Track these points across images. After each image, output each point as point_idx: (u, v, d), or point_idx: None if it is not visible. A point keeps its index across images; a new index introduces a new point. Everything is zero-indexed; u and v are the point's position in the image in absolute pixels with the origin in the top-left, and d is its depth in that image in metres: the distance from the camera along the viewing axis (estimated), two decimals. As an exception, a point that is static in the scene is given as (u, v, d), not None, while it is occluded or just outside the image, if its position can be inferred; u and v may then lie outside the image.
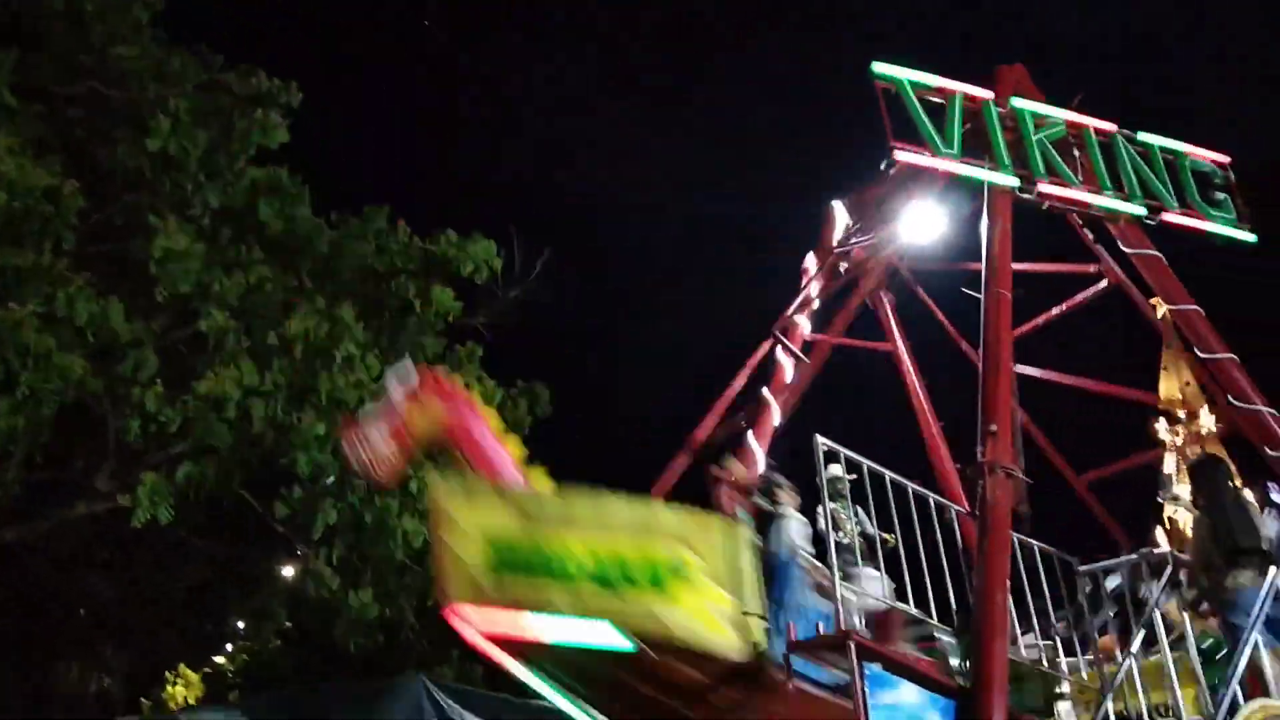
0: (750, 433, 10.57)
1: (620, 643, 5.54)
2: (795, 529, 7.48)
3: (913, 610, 7.36)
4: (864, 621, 7.56)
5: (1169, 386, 13.51)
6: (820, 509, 7.78)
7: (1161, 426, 12.99)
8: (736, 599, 5.77)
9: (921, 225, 10.97)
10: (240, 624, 18.88)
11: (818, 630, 6.67)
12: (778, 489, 7.67)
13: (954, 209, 10.68)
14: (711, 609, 5.69)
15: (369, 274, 12.00)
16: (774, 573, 6.91)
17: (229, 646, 20.82)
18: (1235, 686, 6.11)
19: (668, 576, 5.61)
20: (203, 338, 10.67)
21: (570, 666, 6.03)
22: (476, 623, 5.74)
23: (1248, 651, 6.34)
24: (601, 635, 5.58)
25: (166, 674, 20.39)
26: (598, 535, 5.65)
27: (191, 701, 20.57)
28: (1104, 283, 10.94)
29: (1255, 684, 6.33)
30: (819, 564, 7.36)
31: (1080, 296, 10.56)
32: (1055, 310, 11.30)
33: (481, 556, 5.51)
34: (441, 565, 5.68)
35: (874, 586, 7.71)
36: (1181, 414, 13.29)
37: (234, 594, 15.64)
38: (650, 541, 5.68)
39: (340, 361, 10.46)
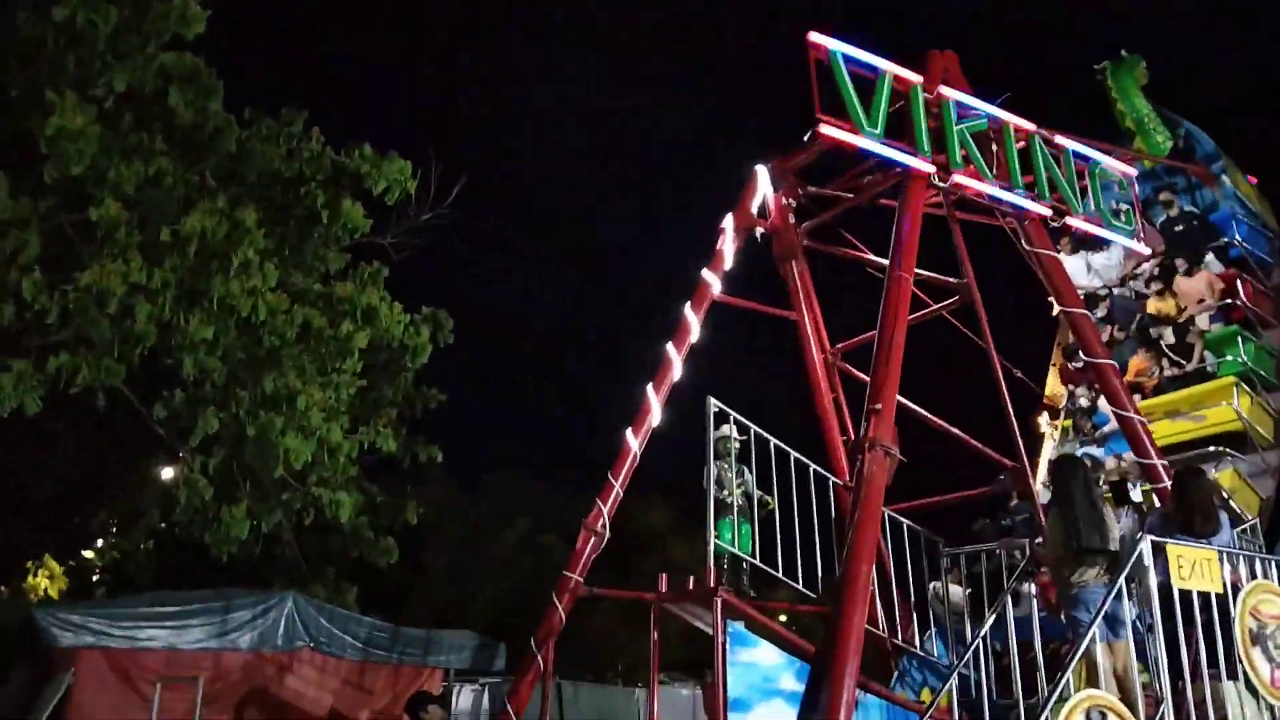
0: (649, 386, 10.66)
1: None
2: None
3: (778, 573, 7.62)
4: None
5: (1055, 381, 14.08)
6: (706, 467, 7.96)
7: (1043, 420, 13.53)
8: None
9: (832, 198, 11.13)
10: (113, 522, 18.44)
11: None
12: None
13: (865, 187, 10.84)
14: None
15: (276, 179, 11.57)
16: None
17: (99, 542, 20.32)
18: (1069, 676, 6.46)
19: None
20: (92, 226, 10.18)
21: None
22: None
23: (1084, 644, 6.71)
24: None
25: (29, 564, 19.83)
26: None
27: (54, 594, 20.07)
28: (956, 297, 11.08)
29: (1090, 676, 6.71)
30: None
31: (936, 307, 10.67)
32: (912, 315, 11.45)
33: None
34: None
35: None
36: (1062, 409, 13.90)
37: (107, 491, 15.22)
38: None
39: (237, 266, 10.08)
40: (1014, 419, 9.81)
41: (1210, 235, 13.47)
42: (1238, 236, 13.26)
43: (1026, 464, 9.75)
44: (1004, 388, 9.95)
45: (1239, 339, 11.97)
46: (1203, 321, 12.58)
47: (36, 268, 9.65)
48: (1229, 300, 12.57)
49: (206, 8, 11.21)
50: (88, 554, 20.61)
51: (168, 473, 14.61)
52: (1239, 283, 12.62)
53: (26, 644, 9.89)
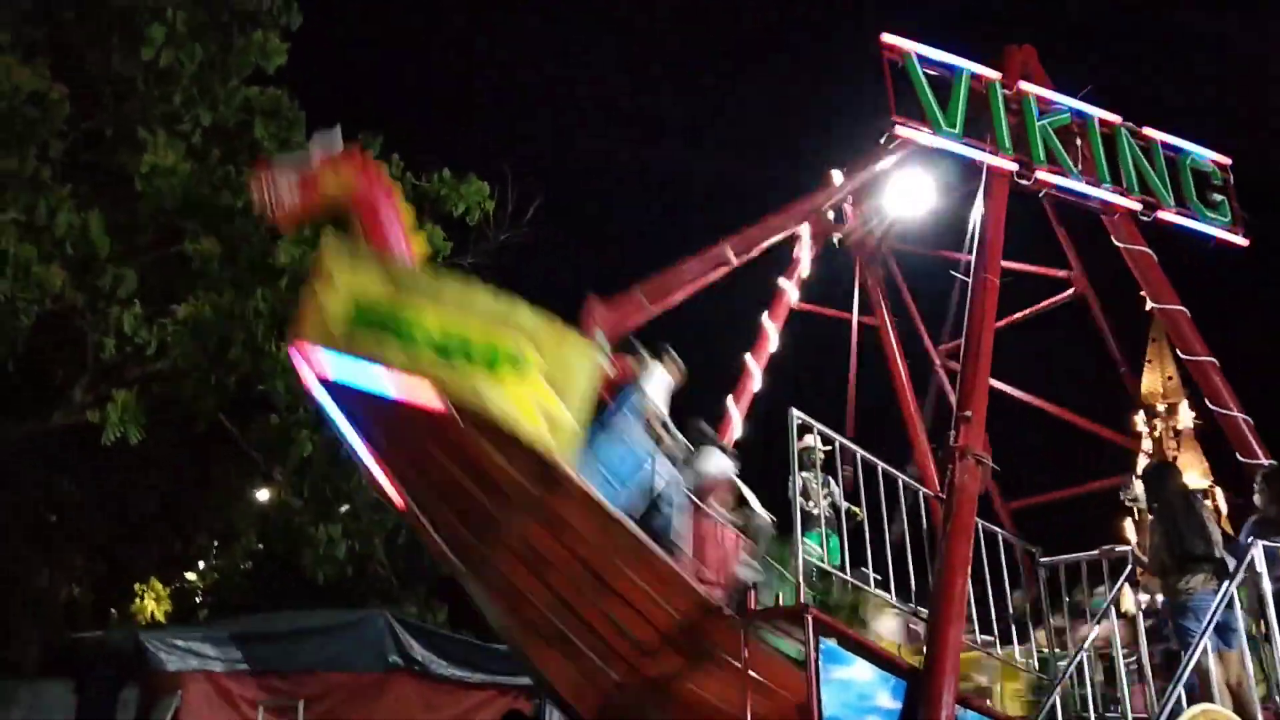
0: (729, 397, 10.61)
1: (434, 403, 5.73)
2: (656, 381, 7.48)
3: (877, 592, 7.47)
4: None
5: (1152, 380, 13.63)
6: (790, 479, 7.85)
7: (1140, 419, 13.07)
8: (562, 402, 5.96)
9: (914, 201, 10.92)
10: (214, 544, 19.01)
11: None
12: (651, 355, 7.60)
13: (950, 189, 10.64)
14: (534, 402, 5.88)
15: (359, 207, 11.80)
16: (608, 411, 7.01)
17: (200, 564, 20.96)
18: (1181, 690, 6.20)
19: (503, 363, 5.85)
20: (187, 259, 10.54)
21: (388, 428, 6.20)
22: (313, 362, 5.92)
23: (1196, 655, 6.44)
24: (418, 391, 5.77)
25: (136, 587, 20.53)
26: (453, 314, 5.89)
27: (159, 616, 20.74)
28: (1070, 291, 10.87)
29: (1203, 688, 6.44)
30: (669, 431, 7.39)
31: (1048, 302, 10.48)
32: (1019, 314, 11.24)
33: (342, 310, 5.78)
34: (305, 309, 5.93)
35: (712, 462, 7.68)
36: (1161, 408, 13.43)
37: (206, 514, 15.68)
38: (500, 331, 5.92)
39: (324, 293, 10.32)
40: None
41: None
42: None
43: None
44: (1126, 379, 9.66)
45: None
46: None
47: (136, 302, 10.00)
48: None
49: (285, 39, 11.53)
50: (190, 576, 21.29)
51: (263, 495, 15.03)
52: None
53: (136, 667, 10.24)
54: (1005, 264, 9.07)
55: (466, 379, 5.74)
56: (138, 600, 20.66)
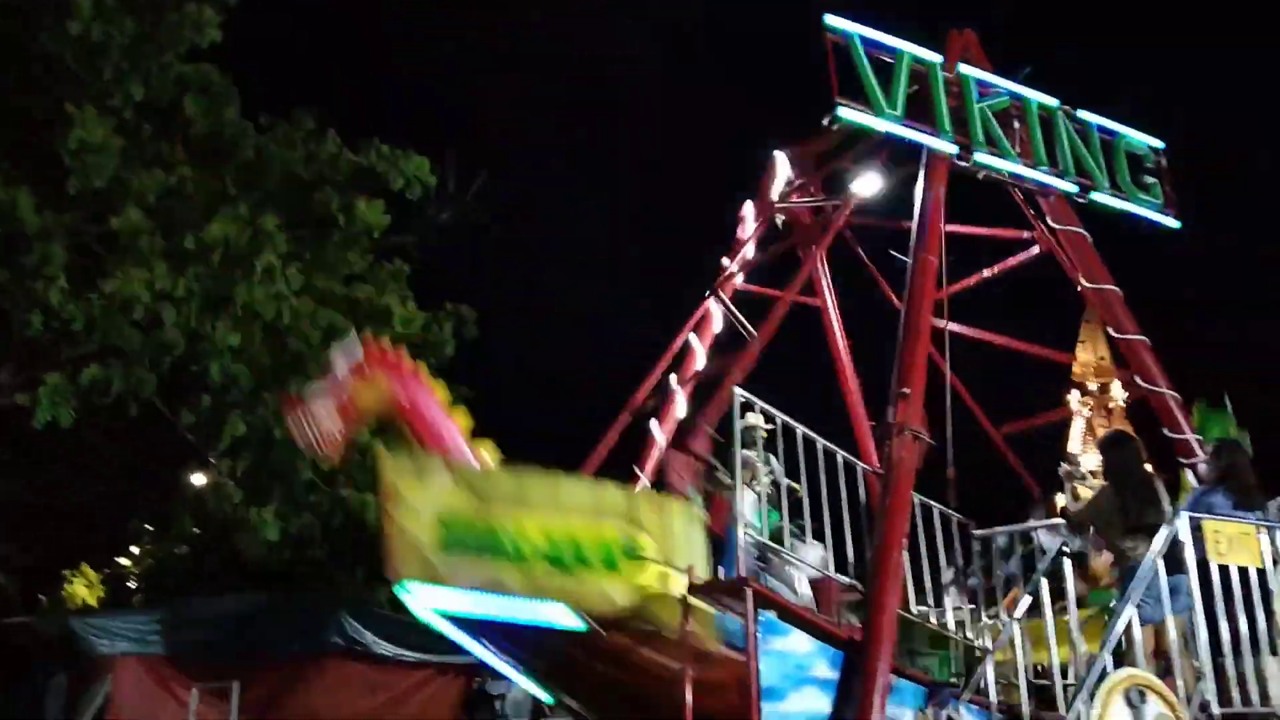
0: (673, 376, 10.62)
1: (573, 622, 5.61)
2: (748, 503, 7.56)
3: (810, 562, 7.55)
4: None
5: (1084, 359, 13.88)
6: (732, 457, 7.90)
7: (1074, 396, 13.36)
8: (688, 578, 5.90)
9: (861, 184, 11.00)
10: (148, 528, 18.62)
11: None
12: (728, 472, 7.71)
13: (896, 169, 10.74)
14: (664, 588, 5.79)
15: (295, 183, 11.62)
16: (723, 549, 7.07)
17: (135, 550, 20.52)
18: (1108, 655, 6.36)
19: (621, 557, 5.69)
20: (116, 236, 10.27)
21: (524, 644, 6.07)
22: (427, 600, 5.70)
23: (1123, 622, 6.61)
24: (555, 615, 5.63)
25: (66, 573, 20.06)
26: (551, 515, 5.67)
27: (92, 601, 20.30)
28: (1035, 249, 11.09)
29: (1130, 653, 6.61)
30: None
31: (1013, 260, 10.69)
32: (987, 271, 11.43)
33: (432, 535, 5.46)
34: (391, 542, 5.60)
35: (813, 554, 7.78)
36: (1094, 385, 13.71)
37: (141, 499, 15.35)
38: (603, 523, 5.74)
39: (260, 272, 10.15)
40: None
41: None
42: None
43: None
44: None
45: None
46: None
47: (62, 275, 9.74)
48: None
49: (221, 12, 11.27)
50: (124, 561, 20.84)
51: (199, 479, 14.74)
52: None
53: (65, 653, 10.02)
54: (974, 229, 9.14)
55: (593, 586, 5.53)
56: (68, 586, 20.19)
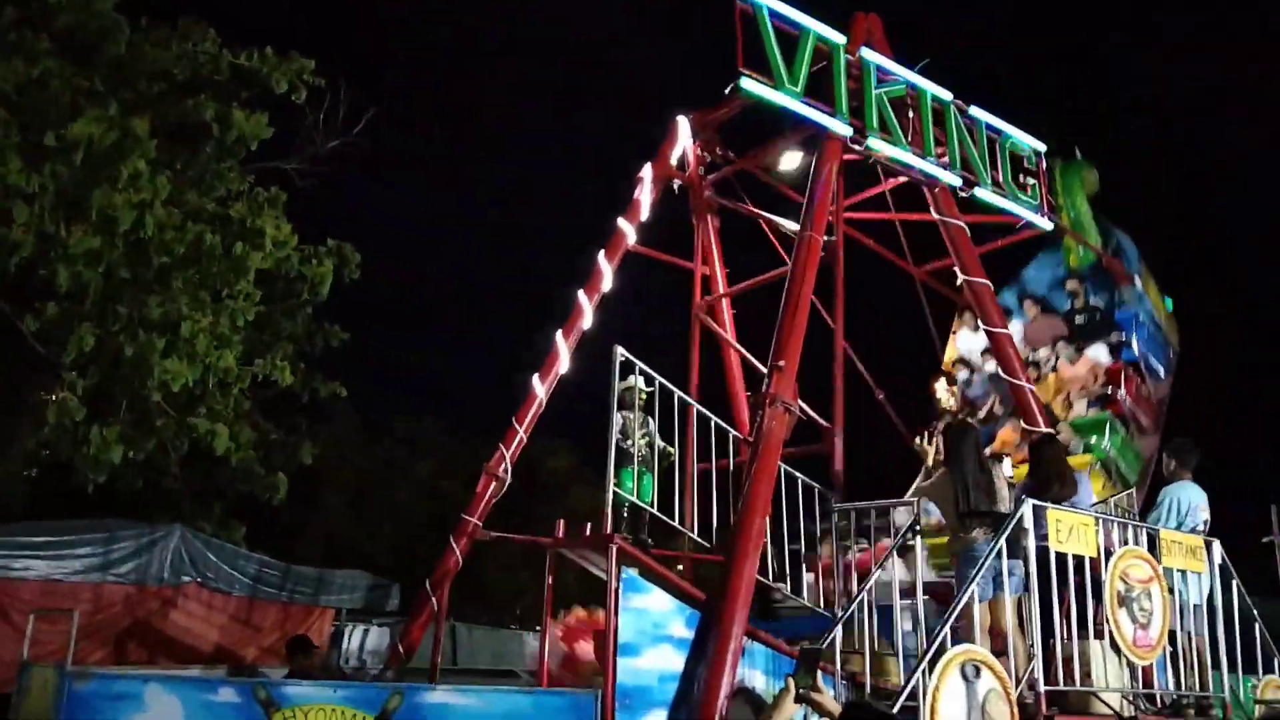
0: (559, 332, 10.59)
1: None
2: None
3: (676, 524, 7.69)
4: None
5: (953, 350, 14.42)
6: (610, 416, 7.95)
7: (940, 386, 13.87)
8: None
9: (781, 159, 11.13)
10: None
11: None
12: None
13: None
14: None
15: (170, 83, 10.95)
16: None
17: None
18: (947, 630, 6.68)
19: None
20: None
21: None
22: None
23: (962, 600, 6.96)
24: None
25: (-105, 488, 18.86)
26: None
27: (-78, 521, 19.18)
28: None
29: (966, 630, 6.97)
30: None
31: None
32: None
33: None
34: None
35: None
36: (962, 375, 14.24)
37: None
38: None
39: (125, 177, 9.52)
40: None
41: (1110, 330, 12.75)
42: (1135, 338, 12.54)
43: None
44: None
45: (1108, 426, 11.30)
46: (1079, 407, 11.85)
47: None
48: (1109, 390, 11.81)
49: None
50: (-40, 479, 19.71)
51: (46, 396, 13.97)
52: (1124, 378, 11.87)
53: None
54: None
55: None
56: (-104, 503, 18.98)
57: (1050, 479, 7.77)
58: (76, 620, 9.17)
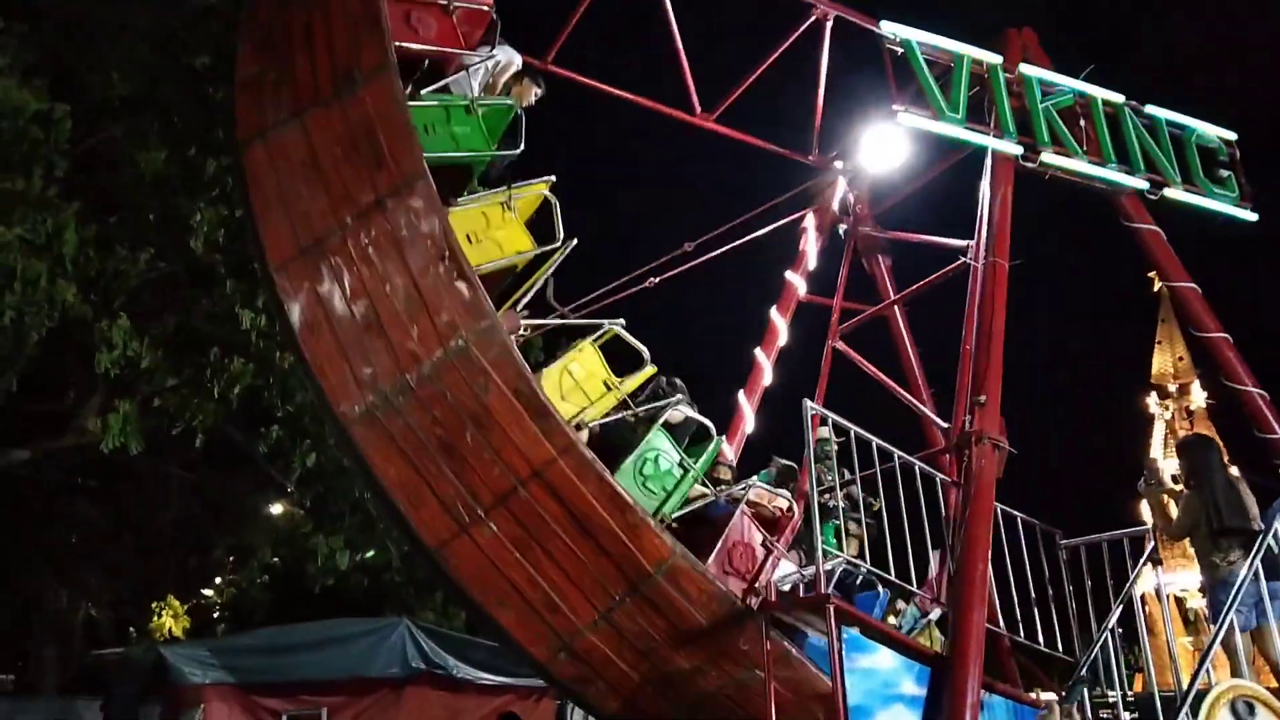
0: (741, 393, 10.57)
1: None
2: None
3: (891, 577, 7.44)
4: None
5: (1162, 360, 13.56)
6: (808, 472, 7.81)
7: (1152, 400, 12.97)
8: None
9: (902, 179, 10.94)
10: (230, 559, 19.02)
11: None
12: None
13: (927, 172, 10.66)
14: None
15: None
16: None
17: (217, 580, 20.96)
18: (1208, 665, 6.17)
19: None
20: (198, 267, 10.51)
21: None
22: None
23: (1223, 631, 6.41)
24: None
25: (153, 605, 20.56)
26: None
27: (178, 633, 20.79)
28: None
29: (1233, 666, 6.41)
30: None
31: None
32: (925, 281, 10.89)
33: None
34: None
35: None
36: (1173, 388, 13.35)
37: (221, 530, 15.67)
38: None
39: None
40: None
41: None
42: None
43: None
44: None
45: None
46: None
47: (123, 315, 9.95)
48: None
49: None
50: (207, 592, 21.31)
51: (278, 509, 15.01)
52: None
53: (158, 681, 10.25)
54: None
55: None
56: (156, 618, 20.69)
57: None
58: (325, 718, 9.74)
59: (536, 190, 6.90)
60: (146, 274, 10.84)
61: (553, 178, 6.92)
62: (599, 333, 6.83)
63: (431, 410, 6.04)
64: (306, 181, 6.17)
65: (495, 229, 6.63)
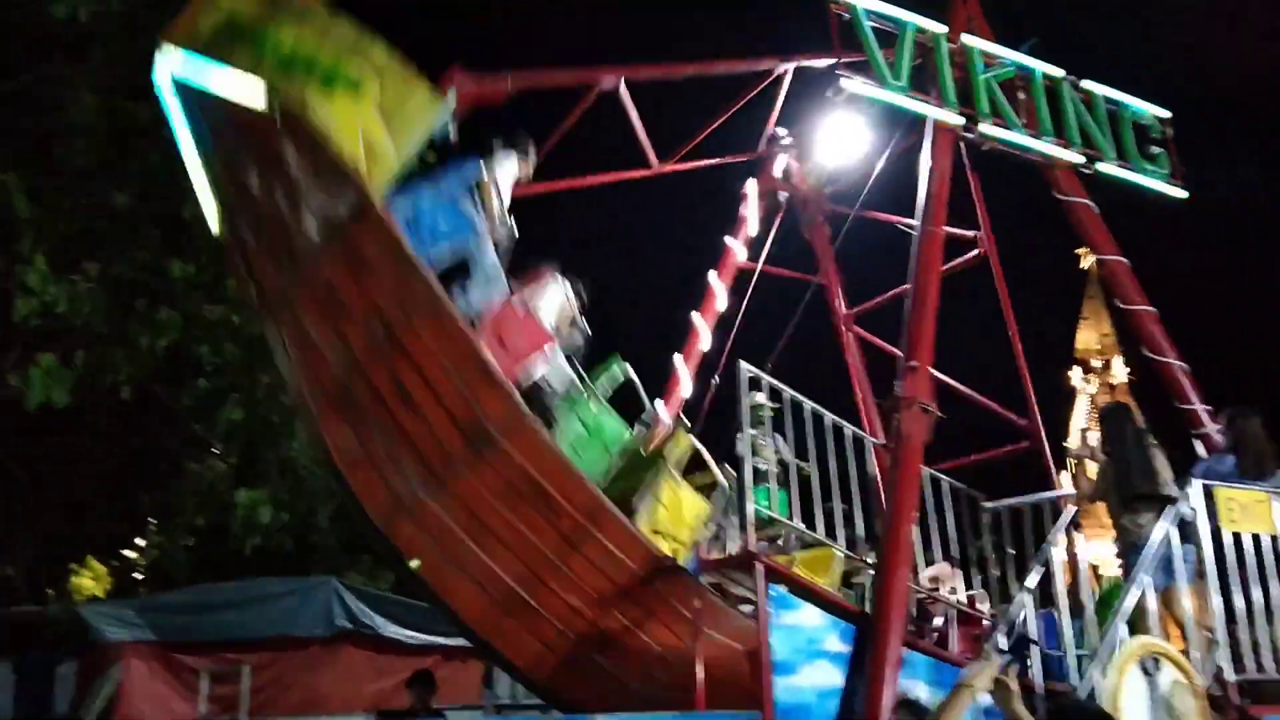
0: (678, 356, 10.58)
1: (257, 103, 5.75)
2: (505, 170, 7.41)
3: (820, 536, 7.52)
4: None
5: (1087, 336, 13.86)
6: (739, 435, 7.86)
7: (1076, 374, 13.25)
8: (389, 139, 5.99)
9: (848, 153, 11.03)
10: (154, 520, 18.59)
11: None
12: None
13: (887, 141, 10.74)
14: (359, 127, 5.89)
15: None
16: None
17: (140, 541, 20.47)
18: (1122, 623, 6.34)
19: (341, 84, 5.87)
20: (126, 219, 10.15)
21: (211, 121, 6.18)
22: (170, 63, 5.98)
23: (1136, 591, 6.59)
24: (247, 92, 5.80)
25: (73, 565, 20.04)
26: (310, 35, 5.94)
27: (99, 594, 20.30)
28: (975, 252, 10.93)
29: (1143, 622, 6.59)
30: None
31: (956, 262, 10.57)
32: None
33: (213, 20, 5.92)
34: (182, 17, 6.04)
35: None
36: (1097, 363, 13.64)
37: (145, 488, 15.29)
38: (349, 58, 5.95)
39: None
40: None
41: None
42: None
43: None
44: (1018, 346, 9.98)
45: None
46: None
47: (40, 258, 9.59)
48: None
49: None
50: (129, 553, 20.80)
51: (201, 468, 14.64)
52: None
53: (75, 642, 10.01)
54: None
55: (298, 89, 5.76)
56: (74, 578, 20.18)
57: (1262, 454, 7.34)
58: (246, 677, 9.59)
59: None
60: (71, 225, 10.46)
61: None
62: None
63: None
64: None
65: None
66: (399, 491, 6.28)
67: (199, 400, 10.79)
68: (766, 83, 10.03)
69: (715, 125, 10.20)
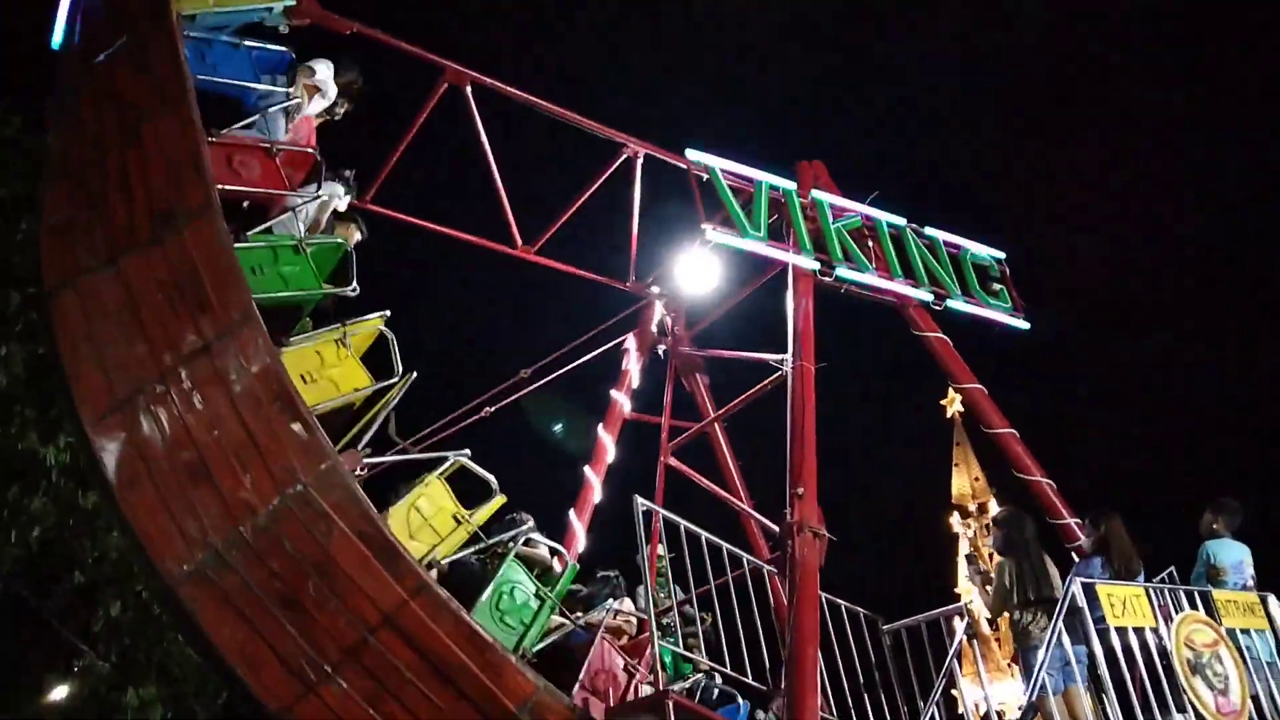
0: (572, 511, 10.58)
1: None
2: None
3: (728, 671, 7.48)
4: None
5: (960, 482, 14.45)
6: (641, 588, 7.85)
7: (955, 520, 13.76)
8: None
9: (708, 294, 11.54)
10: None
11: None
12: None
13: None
14: None
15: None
16: None
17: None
18: (1025, 724, 6.46)
19: None
20: None
21: None
22: None
23: (1034, 693, 6.76)
24: None
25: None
26: None
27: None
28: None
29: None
30: None
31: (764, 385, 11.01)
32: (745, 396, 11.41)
33: None
34: None
35: None
36: (973, 507, 14.21)
37: (11, 701, 14.00)
38: None
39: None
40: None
41: None
42: None
43: None
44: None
45: None
46: None
47: None
48: None
49: None
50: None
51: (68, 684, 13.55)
52: None
53: None
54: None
55: None
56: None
57: (1127, 552, 7.71)
58: None
59: (371, 325, 6.75)
60: None
61: (387, 312, 6.80)
62: (445, 466, 6.53)
63: (269, 563, 5.65)
64: (123, 328, 5.86)
65: (331, 367, 6.38)
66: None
67: (76, 596, 10.16)
68: (618, 163, 10.32)
69: (575, 207, 10.35)
